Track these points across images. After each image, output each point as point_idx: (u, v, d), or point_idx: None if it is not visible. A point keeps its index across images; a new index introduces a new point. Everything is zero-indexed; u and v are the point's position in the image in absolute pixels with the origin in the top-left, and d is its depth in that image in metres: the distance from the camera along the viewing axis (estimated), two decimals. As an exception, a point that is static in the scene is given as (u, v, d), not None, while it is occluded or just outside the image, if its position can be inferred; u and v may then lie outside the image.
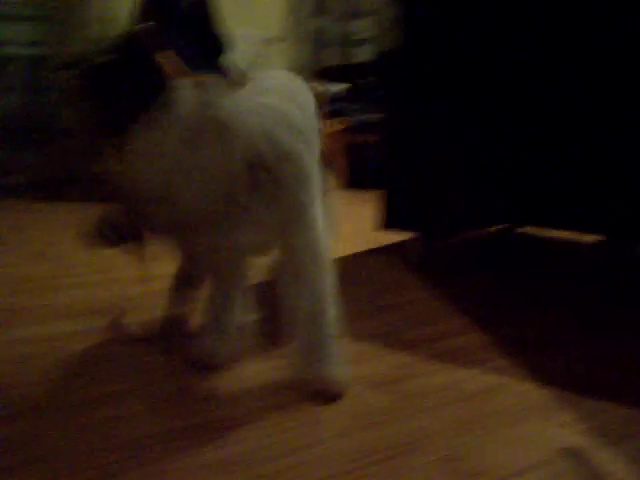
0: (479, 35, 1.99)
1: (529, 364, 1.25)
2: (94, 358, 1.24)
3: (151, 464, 0.87)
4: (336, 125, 3.29)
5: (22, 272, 1.86)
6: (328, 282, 1.12)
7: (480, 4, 1.97)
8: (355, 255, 2.17)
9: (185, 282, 1.39)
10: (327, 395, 1.09)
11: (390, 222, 2.07)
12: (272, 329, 1.27)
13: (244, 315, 1.26)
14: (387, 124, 2.08)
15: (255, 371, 1.19)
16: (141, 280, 1.35)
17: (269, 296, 1.22)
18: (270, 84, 1.25)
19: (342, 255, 2.14)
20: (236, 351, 1.23)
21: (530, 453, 0.92)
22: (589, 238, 2.34)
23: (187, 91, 1.20)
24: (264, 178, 1.09)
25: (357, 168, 3.85)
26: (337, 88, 3.18)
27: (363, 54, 4.73)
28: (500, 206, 2.22)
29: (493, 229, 2.49)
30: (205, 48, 3.66)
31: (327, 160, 1.30)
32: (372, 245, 2.31)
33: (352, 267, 2.00)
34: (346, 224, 2.74)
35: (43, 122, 3.79)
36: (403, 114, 2.03)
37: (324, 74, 4.31)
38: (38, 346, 1.30)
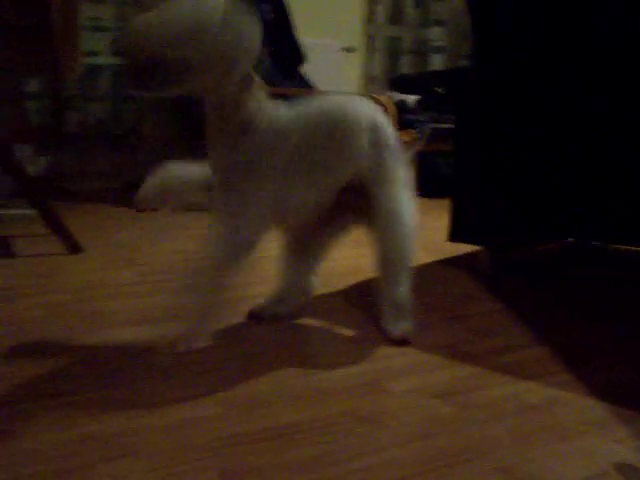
0: (554, 48, 2.02)
1: (591, 378, 1.29)
2: (172, 362, 1.33)
3: (227, 465, 0.95)
4: (407, 135, 3.34)
5: (104, 277, 1.99)
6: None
7: (554, 20, 2.00)
8: (425, 265, 2.22)
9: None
10: (405, 342, 1.44)
11: (456, 234, 2.12)
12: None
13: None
14: (457, 136, 2.13)
15: (326, 376, 1.27)
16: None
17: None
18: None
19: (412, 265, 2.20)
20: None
21: (584, 467, 0.96)
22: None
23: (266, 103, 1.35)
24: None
25: (428, 177, 3.89)
26: (409, 99, 3.23)
27: (438, 62, 4.76)
28: (569, 220, 2.23)
29: (562, 242, 2.50)
30: (286, 57, 3.78)
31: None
32: (442, 255, 2.36)
33: (421, 278, 2.06)
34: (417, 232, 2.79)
35: (129, 129, 3.98)
36: (473, 126, 2.07)
37: (398, 83, 4.37)
38: (119, 350, 1.40)
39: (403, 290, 1.48)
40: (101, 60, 3.92)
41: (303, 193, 1.36)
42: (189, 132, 3.58)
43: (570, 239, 2.49)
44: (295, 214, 1.40)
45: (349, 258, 2.27)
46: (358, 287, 1.94)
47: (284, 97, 3.18)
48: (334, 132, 1.35)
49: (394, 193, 1.43)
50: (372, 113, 1.41)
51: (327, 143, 1.35)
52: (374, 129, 1.40)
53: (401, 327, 1.47)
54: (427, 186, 3.88)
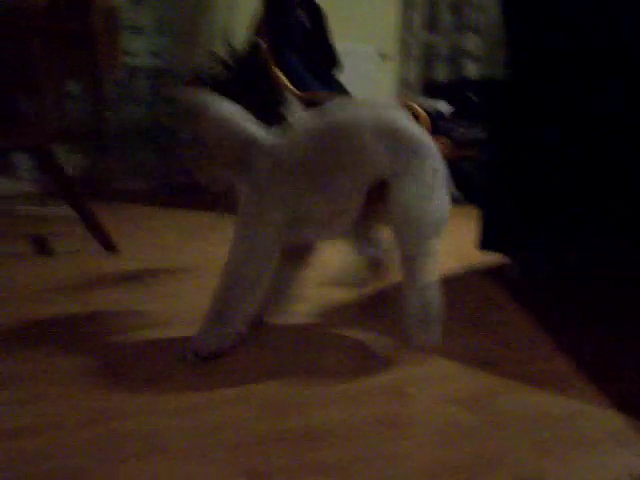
0: (587, 60, 2.02)
1: (612, 391, 1.30)
2: (205, 363, 1.37)
3: (255, 465, 0.99)
4: (440, 141, 3.36)
5: (139, 278, 2.04)
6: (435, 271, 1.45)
7: (585, 35, 2.01)
8: (453, 273, 2.24)
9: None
10: (429, 350, 1.47)
11: (485, 243, 2.14)
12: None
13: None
14: (488, 144, 2.15)
15: (352, 381, 1.30)
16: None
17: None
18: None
19: (439, 273, 2.22)
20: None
21: (602, 479, 0.98)
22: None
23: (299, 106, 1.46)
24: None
25: (461, 183, 3.90)
26: (441, 106, 3.25)
27: (472, 70, 4.77)
28: (600, 231, 2.23)
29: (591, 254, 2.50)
30: (321, 62, 3.81)
31: None
32: (470, 263, 2.37)
33: (448, 285, 2.08)
34: (446, 239, 2.81)
35: (166, 131, 4.05)
36: (504, 135, 2.09)
37: (431, 89, 4.38)
38: (152, 350, 1.45)
39: (428, 293, 1.44)
40: (139, 61, 3.99)
41: (315, 207, 1.40)
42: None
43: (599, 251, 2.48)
44: (311, 228, 1.44)
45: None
46: (383, 294, 1.96)
47: (318, 103, 3.22)
48: (337, 148, 1.39)
49: (415, 190, 1.42)
50: (388, 119, 1.42)
51: (331, 159, 1.39)
52: (391, 134, 1.41)
53: (420, 335, 1.44)
54: (457, 192, 3.89)
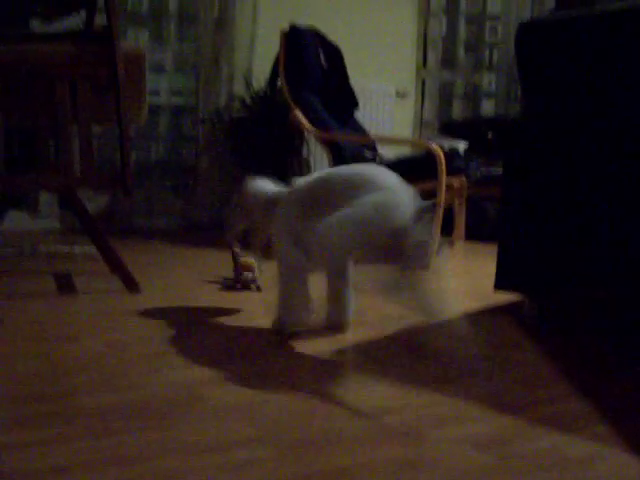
0: (601, 104, 2.06)
1: (632, 433, 1.31)
2: (228, 404, 1.40)
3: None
4: (457, 181, 3.40)
5: (161, 317, 2.08)
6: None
7: (599, 78, 2.04)
8: (472, 312, 2.26)
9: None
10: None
11: (502, 283, 2.16)
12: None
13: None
14: (505, 183, 2.18)
15: (370, 420, 1.32)
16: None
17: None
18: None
19: (457, 311, 2.25)
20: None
21: (619, 522, 0.99)
22: None
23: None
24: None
25: (478, 221, 3.93)
26: (459, 145, 3.29)
27: (489, 107, 4.82)
28: (615, 270, 2.25)
29: (608, 292, 2.51)
30: (339, 101, 3.92)
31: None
32: (489, 302, 2.39)
33: (466, 325, 2.10)
34: (463, 278, 2.83)
35: (186, 169, 4.12)
36: (521, 174, 2.12)
37: (449, 127, 4.43)
38: (174, 390, 1.48)
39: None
40: (161, 100, 4.08)
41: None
42: (246, 172, 3.70)
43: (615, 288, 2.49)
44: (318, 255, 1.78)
45: (392, 305, 2.32)
46: (401, 335, 1.99)
47: (337, 143, 3.29)
48: (322, 191, 1.85)
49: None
50: (357, 171, 1.82)
51: (320, 198, 1.84)
52: (354, 182, 1.78)
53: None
54: (476, 230, 3.92)
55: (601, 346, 1.93)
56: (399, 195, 1.73)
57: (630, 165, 2.10)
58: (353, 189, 1.76)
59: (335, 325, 2.01)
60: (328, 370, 1.64)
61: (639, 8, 1.87)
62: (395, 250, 1.71)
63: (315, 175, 1.91)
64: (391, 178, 1.81)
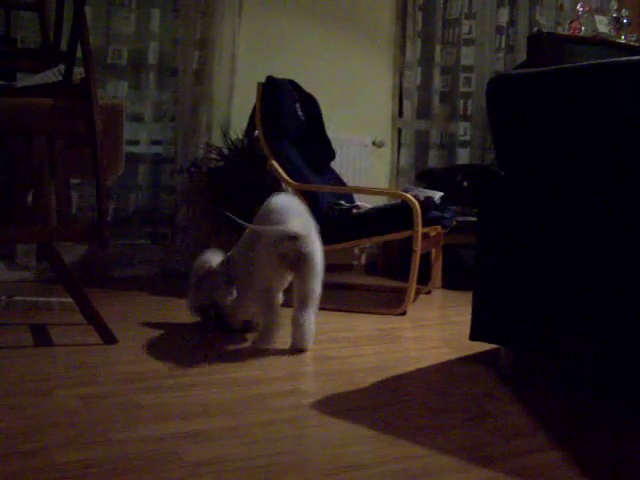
0: (573, 154, 2.11)
1: (605, 486, 1.32)
2: (202, 459, 1.39)
3: None
4: (434, 230, 3.43)
5: (137, 370, 2.06)
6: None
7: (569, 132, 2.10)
8: (448, 361, 2.27)
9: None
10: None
11: (477, 333, 2.17)
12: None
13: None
14: (479, 232, 2.20)
15: (348, 475, 1.32)
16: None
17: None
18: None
19: (433, 362, 2.25)
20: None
21: None
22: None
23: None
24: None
25: (455, 269, 3.97)
26: (435, 195, 3.34)
27: (464, 156, 4.90)
28: (592, 320, 2.27)
29: (585, 340, 2.53)
30: (316, 152, 3.99)
31: None
32: (464, 352, 2.40)
33: (442, 375, 2.11)
34: (440, 327, 2.85)
35: (165, 219, 4.13)
36: (495, 224, 2.15)
37: (425, 176, 4.50)
38: (150, 445, 1.47)
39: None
40: (139, 149, 4.10)
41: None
42: (223, 223, 3.72)
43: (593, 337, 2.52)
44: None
45: (370, 355, 2.33)
46: (378, 385, 1.99)
47: (313, 193, 3.33)
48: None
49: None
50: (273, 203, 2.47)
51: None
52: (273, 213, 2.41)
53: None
54: (451, 278, 3.95)
55: (578, 396, 1.94)
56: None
57: (602, 215, 2.14)
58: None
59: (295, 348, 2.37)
60: (305, 424, 1.63)
61: (608, 65, 1.93)
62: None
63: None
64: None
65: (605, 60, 1.95)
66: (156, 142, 4.17)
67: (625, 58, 1.89)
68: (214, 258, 2.71)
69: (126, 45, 3.93)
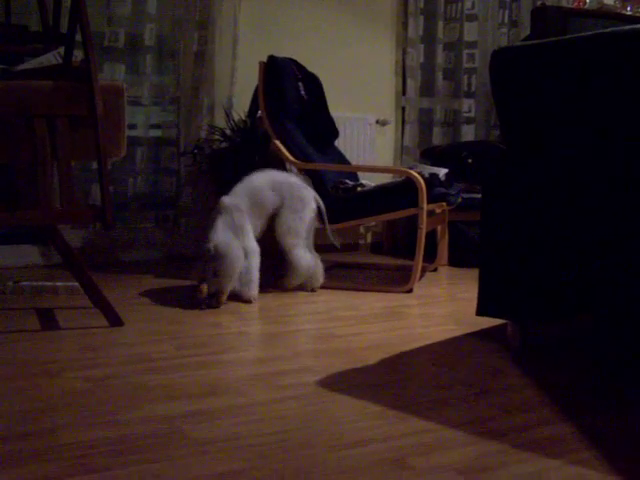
0: (575, 125, 2.09)
1: (615, 457, 1.31)
2: (208, 438, 1.39)
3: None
4: (439, 207, 3.42)
5: (144, 351, 2.07)
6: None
7: (565, 97, 2.07)
8: (454, 338, 2.26)
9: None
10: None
11: (484, 308, 2.16)
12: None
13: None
14: (484, 208, 2.19)
15: (354, 451, 1.32)
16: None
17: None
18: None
19: (440, 339, 2.25)
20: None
21: None
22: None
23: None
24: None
25: (461, 246, 3.95)
26: (440, 172, 3.31)
27: (469, 133, 4.87)
28: (598, 294, 2.26)
29: (592, 316, 2.52)
30: (319, 131, 3.97)
31: None
32: (472, 328, 2.40)
33: (449, 351, 2.10)
34: (447, 304, 2.84)
35: (167, 201, 4.12)
36: (500, 198, 2.13)
37: (429, 154, 4.47)
38: (157, 425, 1.47)
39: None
40: (138, 132, 4.08)
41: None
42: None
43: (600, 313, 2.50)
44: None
45: (376, 332, 2.33)
46: (385, 362, 1.98)
47: (318, 172, 3.32)
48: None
49: (288, 215, 2.97)
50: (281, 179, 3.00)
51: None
52: (279, 187, 2.97)
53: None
54: (457, 255, 3.94)
55: (585, 370, 1.94)
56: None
57: (610, 188, 2.12)
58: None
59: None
60: (312, 402, 1.63)
61: (610, 34, 1.90)
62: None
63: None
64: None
65: (609, 29, 1.92)
66: (155, 125, 4.14)
67: (629, 26, 1.86)
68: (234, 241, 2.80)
69: (123, 27, 3.88)
